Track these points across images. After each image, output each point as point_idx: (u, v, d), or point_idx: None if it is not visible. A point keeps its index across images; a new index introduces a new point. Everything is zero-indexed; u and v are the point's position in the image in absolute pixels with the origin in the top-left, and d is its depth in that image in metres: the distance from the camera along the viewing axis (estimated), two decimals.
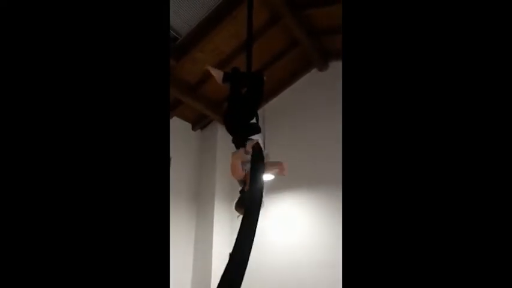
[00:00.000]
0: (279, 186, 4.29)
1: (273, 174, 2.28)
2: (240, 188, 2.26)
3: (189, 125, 4.92)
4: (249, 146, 2.16)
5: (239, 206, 2.21)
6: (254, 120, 2.42)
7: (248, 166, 2.18)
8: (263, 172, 2.19)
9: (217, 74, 2.58)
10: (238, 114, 2.39)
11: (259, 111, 2.48)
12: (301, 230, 4.22)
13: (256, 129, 2.40)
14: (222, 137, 4.86)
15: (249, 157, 2.19)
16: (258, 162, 2.13)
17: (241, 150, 2.19)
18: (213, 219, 4.46)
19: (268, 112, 4.44)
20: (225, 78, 2.55)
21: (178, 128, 4.64)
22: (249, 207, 1.90)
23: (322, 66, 4.49)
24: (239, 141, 2.28)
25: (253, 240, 1.73)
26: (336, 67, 4.44)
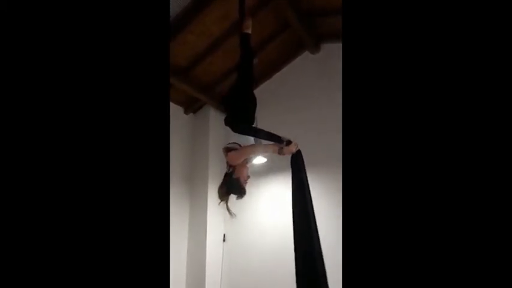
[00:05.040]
0: (272, 169, 4.34)
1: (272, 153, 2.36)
2: (226, 171, 2.28)
3: (181, 109, 4.89)
4: (292, 149, 2.29)
5: (225, 193, 2.20)
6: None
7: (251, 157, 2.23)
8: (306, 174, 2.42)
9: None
10: (240, 102, 2.46)
11: None
12: None
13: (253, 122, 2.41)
14: (214, 121, 4.85)
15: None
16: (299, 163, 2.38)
17: (273, 145, 2.32)
18: (207, 202, 4.49)
19: (260, 95, 4.41)
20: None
21: (171, 112, 4.61)
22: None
23: (314, 48, 4.47)
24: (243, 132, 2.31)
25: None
26: (327, 50, 4.41)
